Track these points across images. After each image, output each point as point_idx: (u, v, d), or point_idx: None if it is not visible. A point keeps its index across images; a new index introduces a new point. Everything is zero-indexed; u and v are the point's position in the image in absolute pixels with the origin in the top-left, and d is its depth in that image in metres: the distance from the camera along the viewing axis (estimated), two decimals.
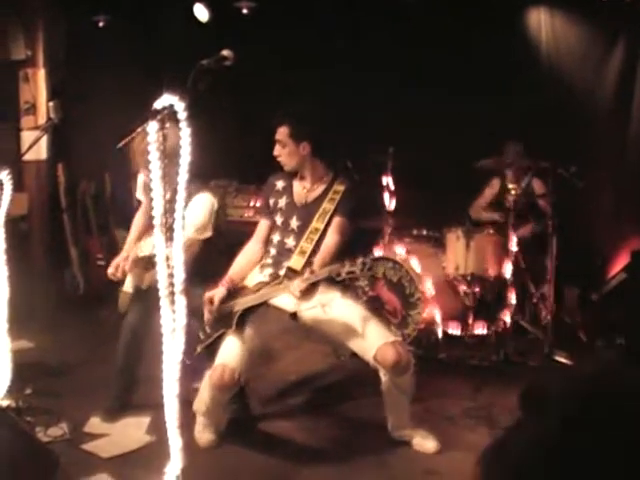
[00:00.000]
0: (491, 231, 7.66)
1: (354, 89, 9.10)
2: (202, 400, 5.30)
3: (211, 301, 5.17)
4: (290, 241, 5.33)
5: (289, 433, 5.80)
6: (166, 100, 3.78)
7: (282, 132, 5.32)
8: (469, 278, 7.52)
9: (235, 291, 5.29)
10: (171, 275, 3.85)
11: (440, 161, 8.60)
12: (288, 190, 5.48)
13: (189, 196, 5.41)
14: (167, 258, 3.86)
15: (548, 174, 7.46)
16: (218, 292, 5.20)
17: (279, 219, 5.43)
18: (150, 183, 3.73)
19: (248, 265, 5.43)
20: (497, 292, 7.72)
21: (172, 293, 3.85)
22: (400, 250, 7.77)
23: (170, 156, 3.79)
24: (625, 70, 8.88)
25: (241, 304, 5.16)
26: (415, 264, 7.59)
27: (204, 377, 5.22)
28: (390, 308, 7.58)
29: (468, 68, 8.86)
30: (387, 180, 8.10)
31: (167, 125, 3.76)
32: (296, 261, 5.17)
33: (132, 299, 5.96)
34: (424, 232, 8.27)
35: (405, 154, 8.08)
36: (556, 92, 8.99)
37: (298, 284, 4.81)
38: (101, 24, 10.03)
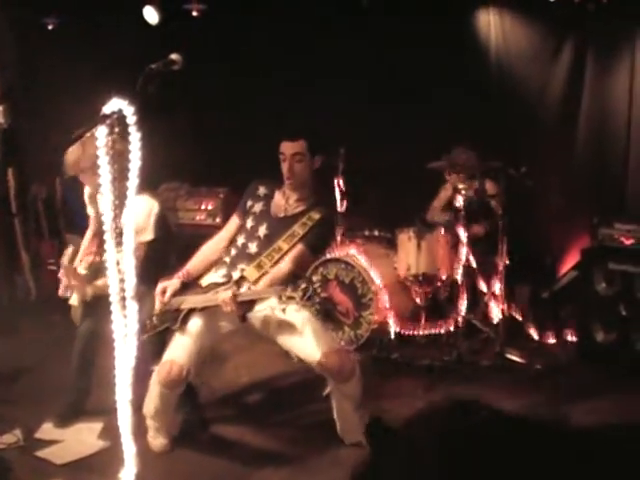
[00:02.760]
0: (442, 231, 7.71)
1: (304, 91, 9.10)
2: (151, 400, 5.26)
3: (164, 292, 5.16)
4: (253, 247, 5.26)
5: (243, 436, 5.78)
6: (115, 104, 3.77)
7: (300, 146, 5.26)
8: (421, 278, 7.57)
9: (188, 285, 5.26)
10: (122, 280, 3.84)
11: (391, 162, 8.61)
12: (268, 198, 5.43)
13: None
14: (117, 263, 3.85)
15: (499, 174, 7.51)
16: (172, 284, 5.19)
17: (249, 223, 5.37)
18: (96, 194, 3.79)
19: (208, 260, 5.39)
20: (449, 292, 7.78)
21: (123, 298, 3.84)
22: (352, 251, 7.79)
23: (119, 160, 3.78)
24: (574, 71, 8.96)
25: (188, 303, 5.13)
26: (367, 264, 7.61)
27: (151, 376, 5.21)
28: (342, 309, 7.61)
29: (418, 69, 8.90)
30: (338, 181, 8.10)
31: (116, 129, 3.75)
32: (251, 272, 5.12)
33: (81, 311, 5.94)
34: (376, 233, 8.31)
35: (356, 155, 8.10)
36: (506, 93, 9.06)
37: (226, 295, 4.87)
38: (50, 27, 9.98)
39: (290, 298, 4.63)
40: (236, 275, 5.16)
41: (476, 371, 7.04)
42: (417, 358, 7.28)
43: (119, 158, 3.77)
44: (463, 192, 7.50)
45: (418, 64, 8.87)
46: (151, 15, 9.30)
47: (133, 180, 3.86)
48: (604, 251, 7.46)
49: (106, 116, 3.72)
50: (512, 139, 8.72)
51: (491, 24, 9.42)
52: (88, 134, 3.71)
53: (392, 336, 7.53)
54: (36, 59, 9.23)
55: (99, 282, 5.64)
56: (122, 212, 3.84)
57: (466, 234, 7.52)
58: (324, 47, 9.10)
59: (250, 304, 4.98)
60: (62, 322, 8.13)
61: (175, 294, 5.16)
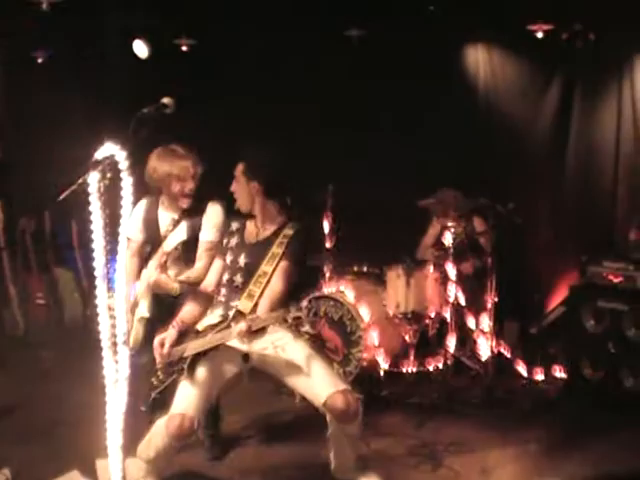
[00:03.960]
0: (431, 269, 7.72)
1: (293, 126, 9.12)
2: (151, 448, 5.13)
3: (162, 344, 5.02)
4: (238, 278, 5.24)
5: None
6: (107, 150, 3.78)
7: (238, 169, 5.31)
8: (410, 315, 7.56)
9: (186, 333, 5.16)
10: (113, 326, 3.84)
11: (379, 198, 8.63)
12: (240, 230, 5.41)
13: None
14: (109, 308, 3.85)
15: (487, 211, 7.55)
16: (169, 335, 5.06)
17: (229, 258, 5.34)
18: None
19: (201, 310, 5.31)
20: (438, 329, 7.79)
21: (114, 344, 3.84)
22: (341, 287, 7.79)
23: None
24: (562, 107, 9.03)
25: (191, 349, 5.02)
26: (356, 301, 7.61)
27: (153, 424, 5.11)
28: (331, 346, 7.57)
29: (406, 106, 8.96)
30: (327, 217, 8.11)
31: (108, 175, 3.75)
32: (244, 304, 5.10)
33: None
34: (364, 269, 8.28)
35: (345, 192, 8.12)
36: (494, 129, 9.11)
37: (240, 328, 4.77)
38: (40, 60, 9.99)
39: (296, 318, 4.66)
40: (232, 313, 5.12)
41: (465, 408, 7.03)
42: (406, 395, 7.29)
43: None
44: (452, 230, 7.51)
45: (406, 101, 8.93)
46: (141, 49, 9.31)
47: (125, 224, 3.88)
48: (593, 289, 7.49)
49: (98, 162, 3.73)
50: (500, 175, 8.76)
51: (479, 60, 9.49)
52: (80, 180, 3.70)
53: (381, 373, 7.51)
54: (25, 93, 9.23)
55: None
56: (113, 257, 3.84)
57: (455, 271, 7.52)
58: (314, 81, 9.14)
59: (259, 333, 4.93)
60: (50, 357, 8.17)
61: (173, 344, 5.06)
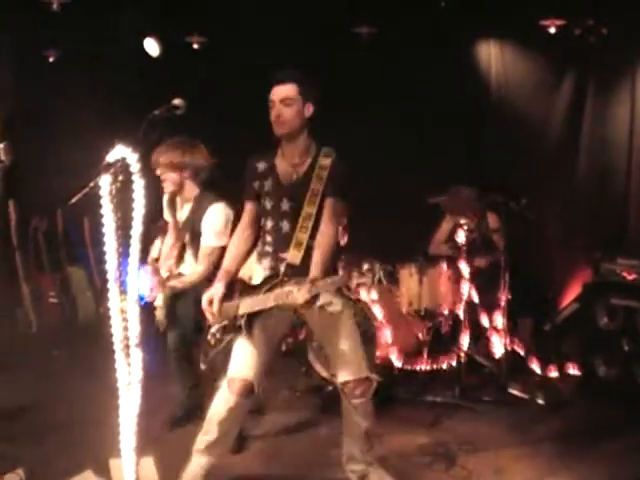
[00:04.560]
0: (444, 266, 7.70)
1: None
2: (213, 424, 4.96)
3: (211, 302, 4.83)
4: (285, 225, 4.92)
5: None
6: (119, 152, 3.78)
7: (290, 89, 4.84)
8: (423, 313, 7.56)
9: (234, 285, 4.96)
10: (126, 328, 3.84)
11: (393, 193, 8.63)
12: (272, 171, 5.00)
13: (204, 208, 5.92)
14: (122, 311, 3.85)
15: (500, 208, 7.53)
16: (217, 291, 4.86)
17: (268, 204, 5.00)
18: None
19: (241, 254, 5.08)
20: (451, 327, 7.76)
21: (127, 347, 3.84)
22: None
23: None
24: (574, 103, 9.00)
25: (245, 306, 4.82)
26: (369, 299, 7.59)
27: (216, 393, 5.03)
28: None
29: (419, 101, 8.94)
30: None
31: (120, 178, 3.75)
32: (293, 255, 4.83)
33: (165, 312, 6.15)
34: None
35: (358, 187, 8.09)
36: (506, 125, 9.08)
37: (302, 295, 4.42)
38: (51, 60, 9.99)
39: (361, 284, 4.69)
40: (282, 266, 4.90)
41: (479, 406, 7.01)
42: (420, 393, 7.27)
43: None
44: (465, 227, 7.48)
45: (417, 97, 8.90)
46: (152, 47, 9.31)
47: (137, 228, 3.88)
48: (606, 286, 7.47)
49: (110, 164, 3.73)
50: (512, 172, 8.72)
51: (491, 56, 9.46)
52: (92, 184, 3.71)
53: (395, 371, 7.50)
54: (36, 93, 9.22)
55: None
56: (125, 261, 3.85)
57: (468, 269, 7.49)
58: (326, 76, 9.09)
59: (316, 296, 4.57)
60: (62, 356, 8.17)
61: (223, 300, 4.86)
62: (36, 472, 5.59)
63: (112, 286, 3.82)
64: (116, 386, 3.91)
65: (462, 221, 7.55)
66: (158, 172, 6.08)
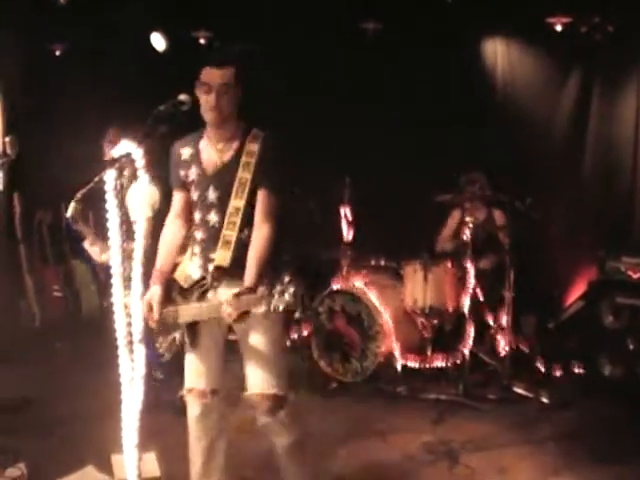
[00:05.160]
0: (449, 264, 7.69)
1: (311, 118, 9.09)
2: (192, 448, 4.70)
3: (150, 308, 4.32)
4: (212, 217, 4.48)
5: None
6: (124, 147, 3.77)
7: (230, 75, 4.41)
8: (427, 311, 7.53)
9: (170, 285, 4.51)
10: (129, 324, 3.83)
11: (397, 191, 8.63)
12: (196, 158, 4.56)
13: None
14: (125, 306, 3.84)
15: (506, 207, 7.52)
16: (154, 294, 4.38)
17: (194, 194, 4.56)
18: None
19: (174, 249, 4.63)
20: (455, 324, 7.75)
21: (130, 342, 3.84)
22: (358, 282, 7.78)
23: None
24: (580, 101, 8.98)
25: (184, 315, 4.39)
26: (373, 296, 7.60)
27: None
28: (349, 341, 7.59)
29: (424, 98, 8.93)
30: (345, 210, 8.09)
31: (125, 173, 3.74)
32: (221, 256, 4.40)
33: None
34: (382, 262, 8.28)
35: (362, 184, 8.10)
36: (512, 123, 9.06)
37: (230, 312, 4.12)
38: (58, 52, 9.99)
39: (285, 303, 4.02)
40: (210, 268, 4.47)
41: (483, 404, 6.98)
42: (423, 391, 7.26)
43: None
44: (470, 225, 7.45)
45: (424, 94, 8.90)
46: (158, 42, 9.30)
47: (141, 223, 3.87)
48: (611, 284, 7.46)
49: (115, 160, 3.71)
50: (517, 170, 8.70)
51: (497, 53, 9.44)
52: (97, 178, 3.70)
53: (398, 369, 7.50)
54: (42, 86, 9.23)
55: None
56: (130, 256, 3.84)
57: (473, 267, 7.48)
58: (333, 74, 9.12)
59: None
60: (65, 349, 8.18)
61: (162, 302, 4.38)
62: (38, 466, 5.57)
63: (116, 281, 3.81)
64: (119, 381, 3.91)
65: (467, 219, 7.52)
66: None
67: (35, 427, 6.35)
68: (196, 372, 4.59)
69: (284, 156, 4.54)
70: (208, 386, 4.57)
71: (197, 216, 4.56)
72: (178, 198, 4.63)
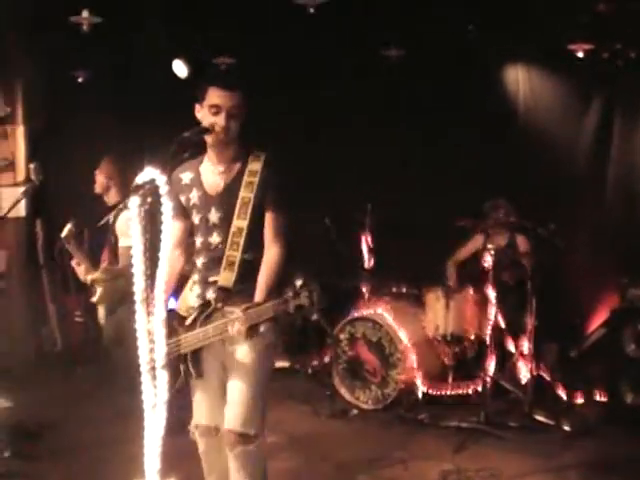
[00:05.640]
0: (470, 291, 7.68)
1: (332, 146, 9.12)
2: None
3: None
4: (214, 238, 4.46)
5: None
6: (147, 174, 3.77)
7: (237, 97, 4.41)
8: (449, 338, 7.54)
9: (172, 318, 4.38)
10: (152, 350, 3.83)
11: (418, 217, 8.63)
12: (197, 181, 4.54)
13: None
14: (149, 332, 3.84)
15: (529, 233, 7.51)
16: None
17: (196, 217, 4.53)
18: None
19: (173, 278, 4.58)
20: (477, 351, 7.72)
21: (153, 368, 3.83)
22: (379, 309, 7.77)
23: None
24: (602, 126, 8.97)
25: (186, 345, 4.37)
26: (395, 323, 7.59)
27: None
28: (370, 368, 7.58)
29: (446, 125, 8.93)
30: (366, 237, 8.10)
31: (148, 200, 3.75)
32: (225, 277, 4.38)
33: None
34: (403, 289, 8.28)
35: (383, 210, 8.11)
36: (534, 148, 9.05)
37: (239, 328, 4.09)
38: (80, 79, 10.07)
39: (299, 307, 3.95)
40: (210, 295, 4.45)
41: (504, 432, 6.93)
42: (444, 418, 7.20)
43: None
44: (492, 251, 7.43)
45: (446, 120, 8.90)
46: (180, 69, 9.35)
47: (165, 250, 3.87)
48: (634, 312, 7.43)
49: (139, 186, 3.72)
50: (540, 196, 8.68)
51: (519, 80, 9.45)
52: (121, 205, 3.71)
53: (419, 396, 7.49)
54: (66, 111, 9.30)
55: None
56: (153, 281, 3.84)
57: (495, 294, 7.45)
58: (355, 100, 9.15)
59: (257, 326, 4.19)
60: (87, 374, 8.19)
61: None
62: None
63: (139, 307, 3.81)
64: (141, 406, 3.90)
65: (489, 245, 7.51)
66: None
67: (56, 452, 6.36)
68: (201, 407, 4.59)
69: (284, 176, 4.52)
70: (212, 422, 4.55)
71: (198, 240, 4.54)
72: (177, 227, 4.52)
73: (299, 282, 3.96)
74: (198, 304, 4.48)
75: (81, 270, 7.10)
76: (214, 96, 4.39)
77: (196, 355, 4.40)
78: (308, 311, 3.99)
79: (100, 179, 7.22)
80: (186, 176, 4.56)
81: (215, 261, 4.45)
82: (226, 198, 4.45)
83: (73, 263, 7.18)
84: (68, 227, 7.01)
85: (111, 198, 6.94)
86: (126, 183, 6.41)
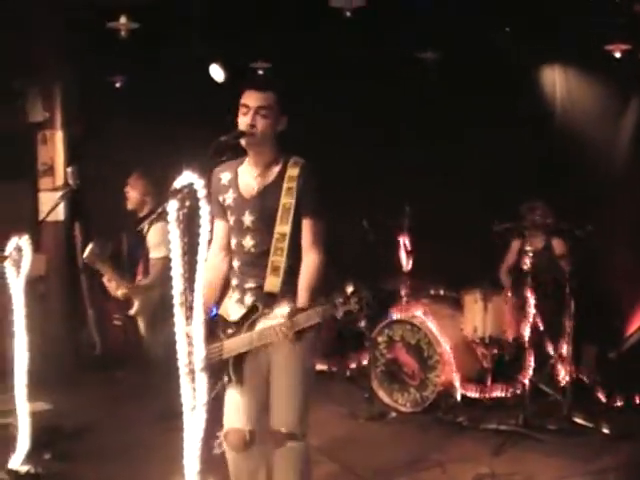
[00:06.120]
0: (509, 293, 7.67)
1: (370, 148, 9.13)
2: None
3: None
4: (247, 241, 4.48)
5: None
6: (186, 178, 3.80)
7: (269, 98, 4.41)
8: (487, 340, 7.53)
9: (213, 322, 4.44)
10: (191, 353, 3.85)
11: (456, 220, 8.63)
12: (234, 182, 4.57)
13: None
14: (187, 336, 3.87)
15: (566, 235, 7.48)
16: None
17: (231, 218, 4.56)
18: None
19: (218, 282, 4.63)
20: (515, 354, 7.69)
21: (192, 371, 3.86)
22: (418, 312, 7.77)
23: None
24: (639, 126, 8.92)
25: (230, 349, 4.36)
26: (433, 326, 7.58)
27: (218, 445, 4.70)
28: (408, 371, 7.58)
29: (484, 127, 8.92)
30: (404, 240, 8.10)
31: (187, 204, 3.77)
32: (272, 282, 4.38)
33: None
34: (441, 292, 8.28)
35: (422, 213, 8.10)
36: (571, 149, 9.02)
37: (285, 334, 4.11)
38: (117, 85, 10.14)
39: (347, 312, 3.95)
40: (248, 300, 4.47)
41: (543, 435, 6.88)
42: (483, 421, 7.17)
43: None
44: (530, 254, 7.41)
45: (483, 123, 8.89)
46: (217, 73, 9.39)
47: (203, 253, 3.89)
48: None
49: (177, 190, 3.75)
50: (577, 197, 8.65)
51: (556, 81, 9.43)
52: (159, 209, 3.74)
53: (458, 398, 7.48)
54: (104, 116, 9.37)
55: None
56: (192, 285, 3.86)
57: (533, 296, 7.42)
58: (393, 104, 9.17)
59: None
60: (126, 377, 8.24)
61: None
62: None
63: (177, 310, 3.84)
64: (180, 409, 3.93)
65: (527, 247, 7.48)
66: None
67: (96, 454, 6.41)
68: (236, 411, 4.54)
69: (321, 182, 4.51)
70: (247, 426, 4.51)
71: (233, 242, 4.57)
72: (220, 227, 4.60)
73: (350, 288, 3.96)
74: (241, 309, 4.47)
75: (112, 286, 7.21)
76: (244, 97, 4.44)
77: (238, 361, 4.39)
78: (356, 317, 4.00)
79: (133, 195, 7.50)
80: (225, 176, 4.57)
81: (249, 265, 4.50)
82: (260, 202, 4.46)
83: (104, 280, 7.29)
84: (89, 248, 7.08)
85: (147, 212, 7.26)
86: (161, 193, 6.48)
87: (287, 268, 4.38)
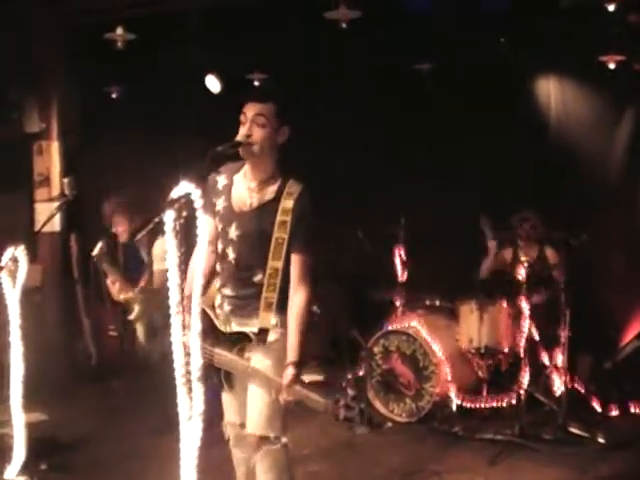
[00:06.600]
0: (504, 303, 7.67)
1: (366, 159, 9.15)
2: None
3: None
4: (230, 252, 4.44)
5: None
6: (182, 188, 3.80)
7: (267, 108, 4.34)
8: (483, 350, 7.53)
9: (207, 322, 4.41)
10: (188, 363, 3.85)
11: (451, 230, 8.64)
12: (227, 190, 4.51)
13: None
14: (184, 345, 3.87)
15: (560, 245, 7.50)
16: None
17: (219, 225, 4.51)
18: None
19: (207, 278, 4.51)
20: (511, 364, 7.70)
21: (189, 381, 3.86)
22: (413, 322, 7.78)
23: None
24: (634, 137, 8.95)
25: (219, 362, 4.42)
26: (428, 336, 7.59)
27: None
28: (404, 381, 7.58)
29: (477, 137, 8.94)
30: (399, 250, 8.12)
31: (184, 214, 3.78)
32: (264, 319, 4.35)
33: None
34: (437, 302, 8.27)
35: (416, 224, 8.11)
36: (566, 160, 9.04)
37: (286, 398, 4.18)
38: (114, 95, 10.16)
39: (347, 420, 3.98)
40: (226, 307, 4.51)
41: (539, 445, 6.88)
42: (479, 431, 7.18)
43: None
44: (525, 264, 7.43)
45: (477, 133, 8.91)
46: (213, 84, 9.41)
47: (200, 263, 3.90)
48: None
49: (174, 200, 3.75)
50: (572, 207, 8.68)
51: (551, 91, 9.46)
52: (156, 219, 3.74)
53: (454, 408, 7.49)
54: (101, 127, 9.38)
55: None
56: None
57: (528, 306, 7.44)
58: (388, 115, 9.19)
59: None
60: (122, 388, 8.23)
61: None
62: None
63: (174, 320, 3.84)
64: (176, 419, 3.92)
65: (522, 258, 7.51)
66: None
67: (92, 465, 6.41)
68: (230, 407, 4.66)
69: (316, 215, 4.42)
70: (241, 420, 4.58)
71: (219, 245, 4.52)
72: (212, 224, 4.48)
73: (351, 392, 4.11)
74: (221, 316, 4.53)
75: (115, 289, 7.23)
76: (244, 108, 4.37)
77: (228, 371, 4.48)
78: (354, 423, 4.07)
79: (118, 220, 7.78)
80: (221, 180, 4.52)
81: (229, 274, 4.49)
82: (248, 221, 4.43)
83: (108, 282, 7.31)
84: (99, 246, 7.12)
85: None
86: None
87: (282, 302, 4.38)
